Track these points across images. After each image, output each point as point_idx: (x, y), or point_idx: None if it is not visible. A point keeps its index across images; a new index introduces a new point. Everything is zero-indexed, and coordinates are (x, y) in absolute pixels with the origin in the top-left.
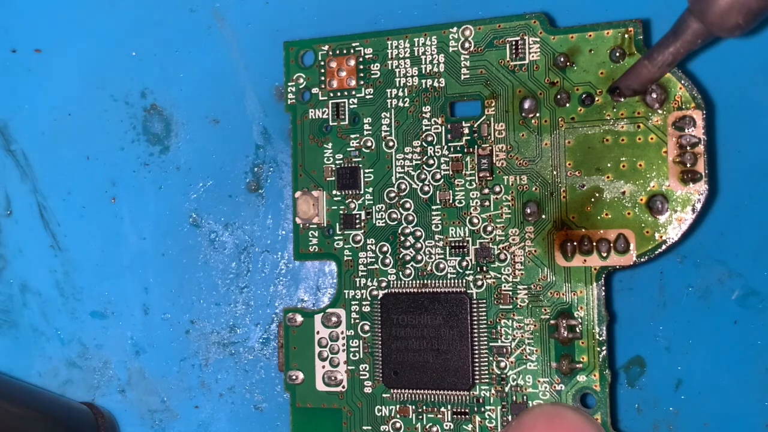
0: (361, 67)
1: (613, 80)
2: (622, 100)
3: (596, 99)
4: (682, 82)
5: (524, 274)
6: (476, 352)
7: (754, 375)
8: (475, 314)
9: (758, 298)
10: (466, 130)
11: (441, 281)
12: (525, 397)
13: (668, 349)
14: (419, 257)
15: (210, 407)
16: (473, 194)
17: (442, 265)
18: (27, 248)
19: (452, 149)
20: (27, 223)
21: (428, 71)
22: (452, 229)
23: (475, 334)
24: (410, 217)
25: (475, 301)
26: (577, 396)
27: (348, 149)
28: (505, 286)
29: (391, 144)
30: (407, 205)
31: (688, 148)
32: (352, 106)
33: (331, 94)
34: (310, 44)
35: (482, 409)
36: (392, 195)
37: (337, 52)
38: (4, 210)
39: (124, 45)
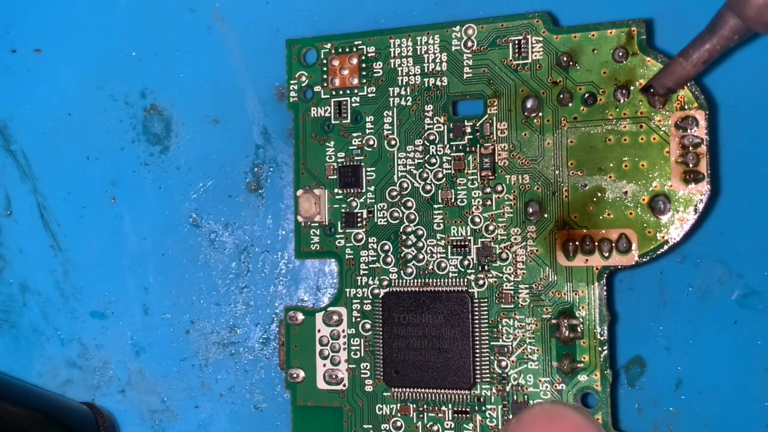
0: (364, 65)
1: (617, 81)
2: (656, 98)
3: (599, 98)
4: None
5: (526, 273)
6: (477, 351)
7: (754, 375)
8: (476, 313)
9: (758, 298)
10: (469, 129)
11: (442, 280)
12: (526, 397)
13: (668, 349)
14: (421, 256)
15: (210, 407)
16: (475, 193)
17: (443, 264)
18: (27, 248)
19: (454, 148)
20: (27, 223)
21: (431, 70)
22: (454, 228)
23: (477, 333)
24: (412, 216)
25: (476, 300)
26: (578, 395)
27: (350, 147)
28: (506, 286)
29: (393, 142)
30: (409, 204)
31: (690, 148)
32: (354, 105)
33: (333, 93)
34: (312, 42)
35: (483, 408)
36: (394, 193)
37: (340, 50)
38: (4, 210)
39: (124, 45)
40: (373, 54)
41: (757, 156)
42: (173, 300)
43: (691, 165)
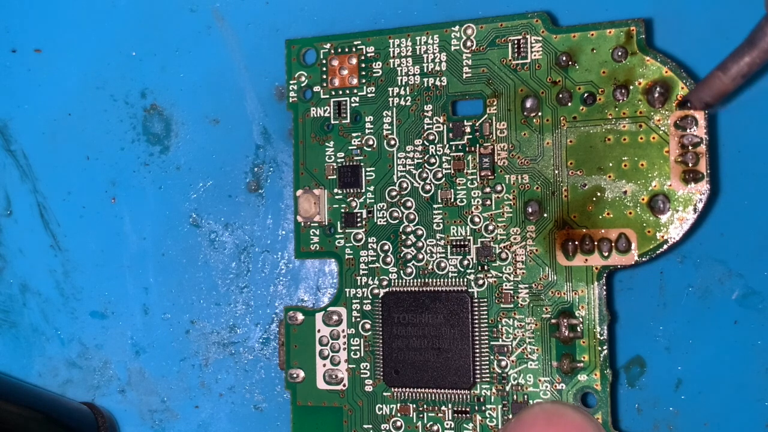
0: (363, 65)
1: (616, 80)
2: (693, 112)
3: (598, 98)
4: (684, 81)
5: (525, 273)
6: (477, 351)
7: (754, 375)
8: (476, 313)
9: (758, 298)
10: (468, 129)
11: (442, 280)
12: (526, 396)
13: (668, 349)
14: (420, 256)
15: (210, 407)
16: (474, 193)
17: (443, 264)
18: (27, 248)
19: (454, 148)
20: (27, 223)
21: (430, 70)
22: (453, 228)
23: (476, 333)
24: (411, 216)
25: (476, 300)
26: (578, 395)
27: (349, 148)
28: (506, 285)
29: (392, 142)
30: (408, 204)
31: (689, 147)
32: (353, 105)
33: (333, 93)
34: (311, 42)
35: (483, 408)
36: (393, 193)
37: (339, 50)
38: (4, 210)
39: (124, 45)
40: (373, 54)
41: (757, 156)
42: (173, 300)
43: (690, 164)
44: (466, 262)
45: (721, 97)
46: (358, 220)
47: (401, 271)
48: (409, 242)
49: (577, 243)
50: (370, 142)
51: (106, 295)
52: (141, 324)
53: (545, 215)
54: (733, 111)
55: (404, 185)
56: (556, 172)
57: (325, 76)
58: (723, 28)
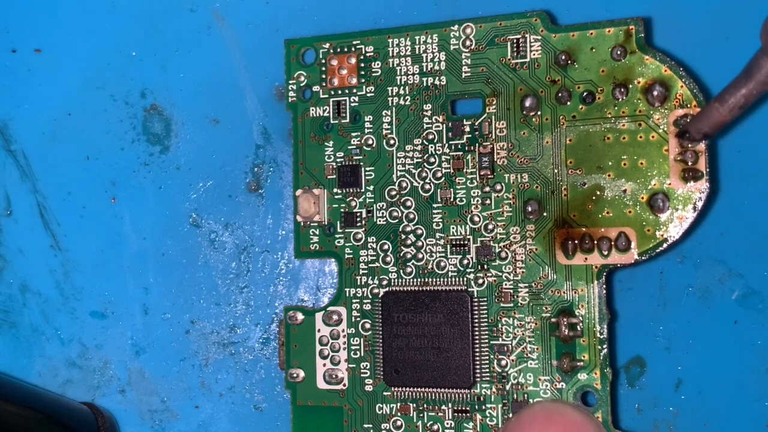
0: (362, 65)
1: (615, 79)
2: (690, 144)
3: (597, 97)
4: (684, 80)
5: (525, 272)
6: (477, 350)
7: (754, 375)
8: (476, 312)
9: (758, 298)
10: (467, 128)
11: (442, 279)
12: (526, 395)
13: (668, 349)
14: (420, 255)
15: (210, 407)
16: (474, 192)
17: (443, 264)
18: (27, 248)
19: (453, 147)
20: (27, 223)
21: (429, 69)
22: (453, 228)
23: (476, 332)
24: (411, 216)
25: (476, 299)
26: (578, 394)
27: (349, 147)
28: (506, 285)
29: (392, 142)
30: (408, 204)
31: (689, 146)
32: (353, 104)
33: (332, 92)
34: (311, 42)
35: (483, 407)
36: (393, 193)
37: (338, 50)
38: (4, 210)
39: (124, 45)
40: (372, 53)
41: (757, 155)
42: (173, 300)
43: (690, 163)
44: (465, 262)
45: (718, 127)
46: (358, 219)
47: (401, 271)
48: (408, 242)
49: (576, 242)
50: (370, 142)
51: (106, 295)
52: (141, 324)
53: (545, 214)
54: None
55: (404, 185)
56: (556, 171)
57: (324, 76)
58: (722, 26)
